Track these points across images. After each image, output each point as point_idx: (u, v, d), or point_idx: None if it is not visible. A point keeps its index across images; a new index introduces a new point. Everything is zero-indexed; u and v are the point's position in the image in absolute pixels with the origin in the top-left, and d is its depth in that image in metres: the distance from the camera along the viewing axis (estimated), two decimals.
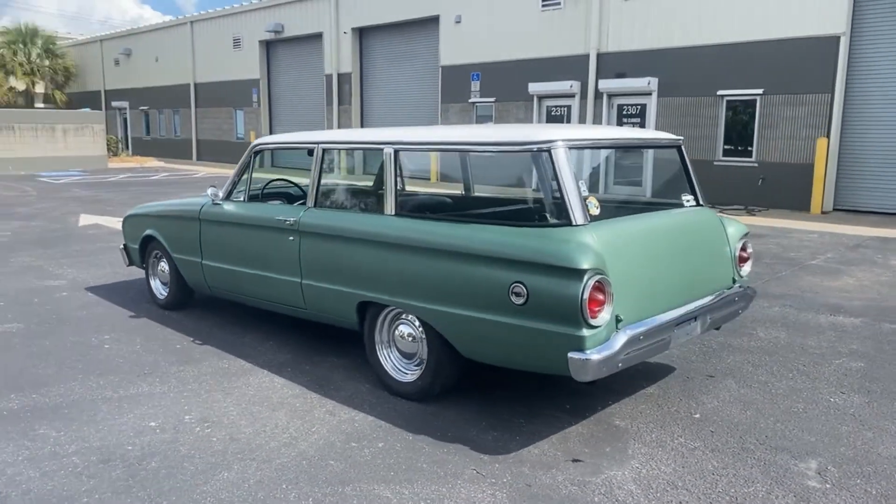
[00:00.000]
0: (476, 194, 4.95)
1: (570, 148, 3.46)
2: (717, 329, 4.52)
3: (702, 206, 4.32)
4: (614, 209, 3.93)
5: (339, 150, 4.52)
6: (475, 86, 18.83)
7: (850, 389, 4.24)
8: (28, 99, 34.83)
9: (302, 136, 4.87)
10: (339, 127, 22.70)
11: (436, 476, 3.16)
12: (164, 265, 5.87)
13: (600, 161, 4.87)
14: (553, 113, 17.44)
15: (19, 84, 34.29)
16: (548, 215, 3.49)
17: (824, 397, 4.12)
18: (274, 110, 25.95)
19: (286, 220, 4.50)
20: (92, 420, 3.70)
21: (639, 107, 15.78)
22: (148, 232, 5.90)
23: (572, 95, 16.67)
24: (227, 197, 5.16)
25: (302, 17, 23.65)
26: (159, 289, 6.01)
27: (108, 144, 26.52)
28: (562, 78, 16.71)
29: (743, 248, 4.32)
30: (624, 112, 16.09)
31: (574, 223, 3.33)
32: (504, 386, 4.20)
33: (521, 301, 3.29)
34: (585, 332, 3.15)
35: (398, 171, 4.07)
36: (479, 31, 18.43)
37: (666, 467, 3.26)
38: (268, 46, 25.57)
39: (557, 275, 3.18)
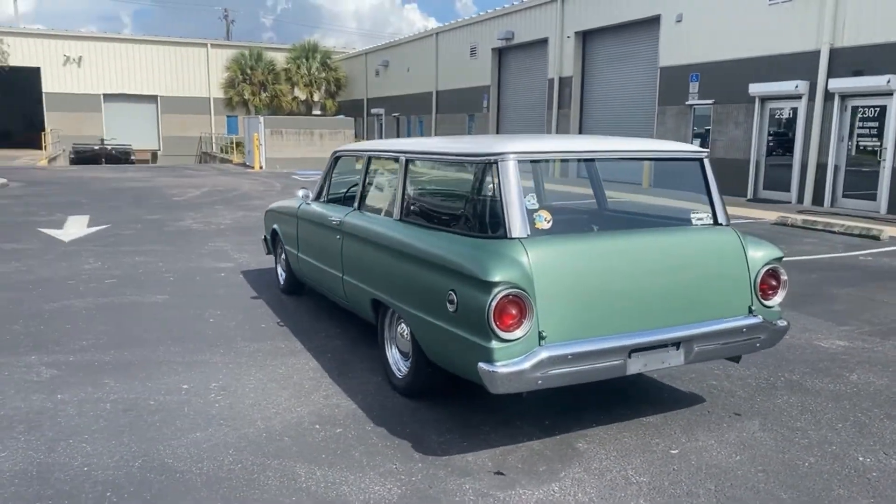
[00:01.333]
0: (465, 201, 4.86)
1: (521, 161, 3.44)
2: (736, 361, 4.05)
3: (720, 225, 3.91)
4: (590, 224, 3.76)
5: (376, 157, 4.87)
6: (693, 87, 17.78)
7: None
8: (307, 107, 40.04)
9: (360, 145, 5.32)
10: (557, 131, 22.85)
11: (356, 465, 3.38)
12: (284, 255, 6.72)
13: (601, 172, 4.52)
14: (777, 116, 15.85)
15: (301, 94, 39.56)
16: (489, 226, 3.49)
17: (853, 455, 3.52)
18: (501, 115, 26.87)
19: (333, 221, 4.98)
20: (146, 378, 4.51)
21: (876, 109, 13.70)
22: (274, 226, 6.80)
23: (798, 97, 15.00)
24: (316, 198, 5.78)
25: (530, 24, 24.18)
26: (281, 275, 6.87)
27: None
28: (787, 77, 15.12)
29: (772, 275, 3.83)
30: (859, 115, 14.08)
31: (509, 235, 3.32)
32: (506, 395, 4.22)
33: (452, 308, 3.37)
34: (495, 344, 3.15)
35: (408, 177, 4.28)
36: (699, 30, 17.37)
37: (584, 496, 3.12)
38: (500, 54, 26.54)
39: (474, 285, 3.22)
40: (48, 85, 37.60)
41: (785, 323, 3.91)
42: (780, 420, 3.94)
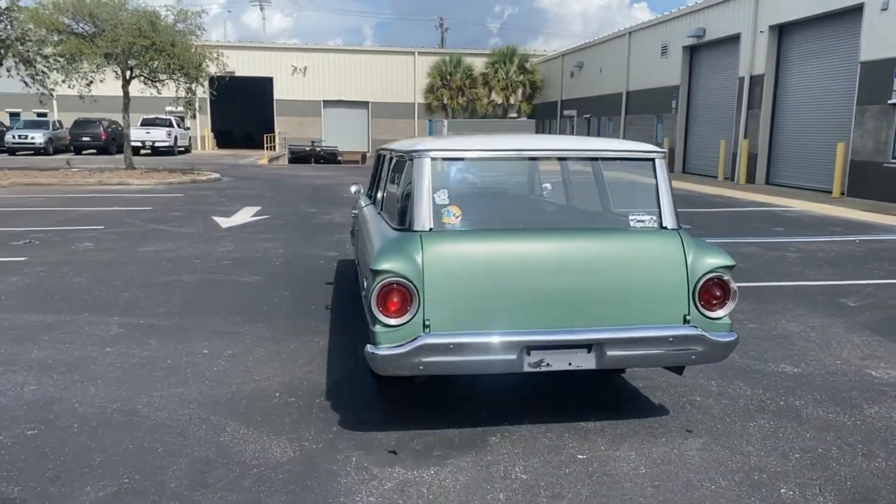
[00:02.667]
0: (398, 197, 4.83)
1: (434, 159, 3.58)
2: (678, 373, 3.78)
3: (666, 228, 3.68)
4: (518, 220, 3.75)
5: (384, 155, 5.17)
6: None
7: (842, 492, 3.15)
8: (504, 110, 40.97)
9: (389, 144, 5.68)
10: (746, 133, 21.22)
11: (277, 430, 3.74)
12: None
13: (542, 171, 4.28)
14: None
15: (498, 98, 40.59)
16: (404, 219, 3.64)
17: (777, 486, 3.19)
18: (690, 117, 25.48)
19: (354, 213, 5.39)
20: (181, 341, 5.25)
21: None
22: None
23: None
24: (367, 193, 6.24)
25: (722, 19, 22.69)
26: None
27: None
28: None
29: (717, 285, 3.55)
30: None
31: (412, 228, 3.49)
32: (465, 385, 4.34)
33: (365, 294, 3.61)
34: (378, 328, 3.35)
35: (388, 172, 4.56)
36: None
37: (451, 482, 3.21)
38: (691, 52, 25.19)
39: (369, 273, 3.44)
40: (278, 92, 42.38)
41: (732, 337, 3.59)
42: (730, 443, 3.63)
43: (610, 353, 3.47)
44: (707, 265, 3.56)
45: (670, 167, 26.38)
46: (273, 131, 41.38)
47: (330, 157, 34.09)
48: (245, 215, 12.72)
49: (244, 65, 41.71)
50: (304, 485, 3.18)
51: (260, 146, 41.72)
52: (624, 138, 29.67)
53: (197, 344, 5.20)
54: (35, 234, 10.14)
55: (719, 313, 3.57)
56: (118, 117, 33.08)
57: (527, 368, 3.45)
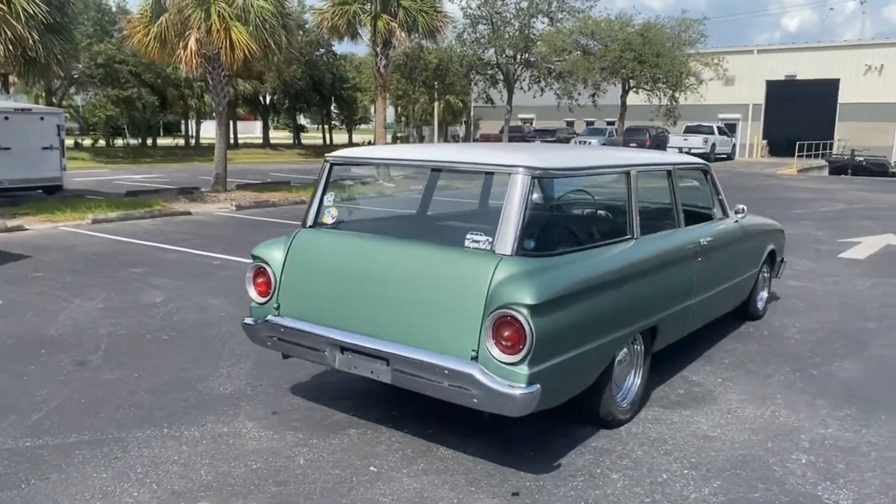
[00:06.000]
0: None
1: (333, 164, 3.92)
2: (488, 416, 3.16)
3: (493, 252, 3.12)
4: (383, 227, 3.69)
5: None
6: None
7: None
8: None
9: None
10: None
11: (263, 369, 4.68)
12: None
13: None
14: None
15: None
16: None
17: None
18: None
19: None
20: None
21: None
22: None
23: None
24: None
25: None
26: None
27: None
28: None
29: (508, 323, 2.92)
30: None
31: (304, 225, 3.96)
32: None
33: None
34: (252, 303, 3.98)
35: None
36: None
37: (236, 441, 3.67)
38: None
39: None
40: (844, 95, 37.93)
41: (523, 391, 2.88)
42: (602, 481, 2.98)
43: (395, 369, 3.30)
44: (500, 299, 2.98)
45: None
46: (832, 138, 37.43)
47: (876, 169, 29.08)
48: None
49: (807, 67, 38.69)
50: (197, 406, 4.11)
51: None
52: None
53: None
54: None
55: (509, 358, 2.95)
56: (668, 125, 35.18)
57: (338, 366, 3.58)
